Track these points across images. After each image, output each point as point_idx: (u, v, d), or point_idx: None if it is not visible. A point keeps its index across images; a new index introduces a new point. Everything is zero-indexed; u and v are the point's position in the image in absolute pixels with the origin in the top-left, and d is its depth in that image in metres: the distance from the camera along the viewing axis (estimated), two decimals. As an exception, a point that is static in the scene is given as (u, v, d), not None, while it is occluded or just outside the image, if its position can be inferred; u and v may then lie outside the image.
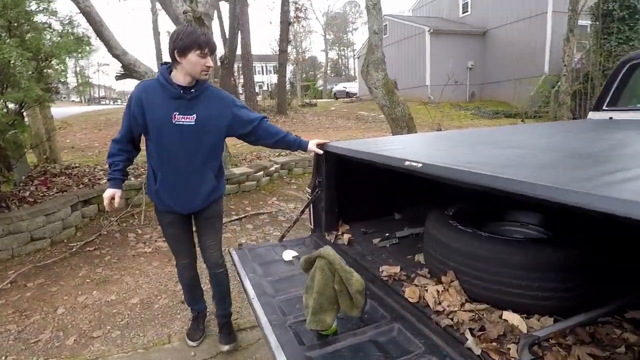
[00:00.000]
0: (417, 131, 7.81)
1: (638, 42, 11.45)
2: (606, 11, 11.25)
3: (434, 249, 1.68)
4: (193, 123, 1.85)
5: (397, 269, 1.80)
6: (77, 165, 5.82)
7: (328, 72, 35.03)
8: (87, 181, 4.88)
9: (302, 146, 2.15)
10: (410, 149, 1.97)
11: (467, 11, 17.67)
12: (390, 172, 2.14)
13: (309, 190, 2.40)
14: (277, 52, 15.46)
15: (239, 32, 12.78)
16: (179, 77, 1.81)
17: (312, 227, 2.42)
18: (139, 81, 2.06)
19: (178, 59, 1.75)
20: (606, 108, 3.29)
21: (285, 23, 13.72)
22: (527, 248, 1.40)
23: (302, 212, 2.39)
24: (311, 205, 2.38)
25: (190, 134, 1.86)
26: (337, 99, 24.25)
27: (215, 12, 12.08)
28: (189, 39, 1.71)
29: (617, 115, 3.17)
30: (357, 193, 2.45)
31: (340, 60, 45.71)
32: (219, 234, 2.21)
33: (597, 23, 11.46)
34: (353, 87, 24.10)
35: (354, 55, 44.62)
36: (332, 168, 2.30)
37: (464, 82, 16.51)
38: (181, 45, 1.72)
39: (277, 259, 2.07)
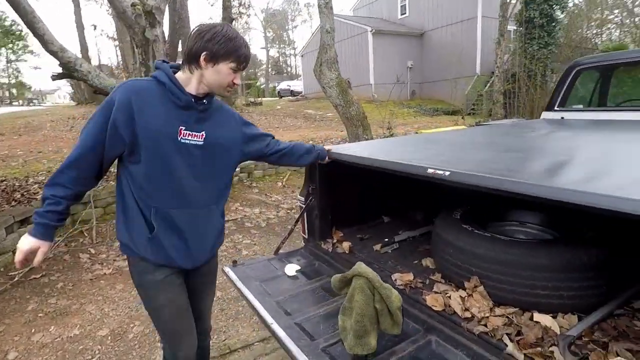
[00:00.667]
0: (371, 130, 7.97)
1: (555, 46, 12.79)
2: (528, 18, 12.39)
3: (449, 254, 1.68)
4: (201, 143, 1.38)
5: (410, 276, 1.78)
6: (2, 178, 5.07)
7: (269, 70, 34.48)
8: (19, 197, 4.26)
9: (321, 156, 1.95)
10: (420, 154, 1.95)
11: (406, 13, 18.46)
12: (379, 176, 2.13)
13: (301, 198, 2.29)
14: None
15: (180, 27, 12.07)
16: (192, 84, 1.35)
17: (305, 236, 2.32)
18: (124, 81, 1.41)
19: (203, 63, 1.31)
20: (557, 109, 3.58)
21: (228, 19, 13.22)
22: (551, 250, 1.44)
23: (297, 221, 2.28)
24: (305, 213, 2.28)
25: (198, 157, 1.38)
26: (281, 97, 24.02)
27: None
28: (230, 46, 1.30)
29: (567, 115, 3.47)
30: (347, 198, 2.39)
31: (281, 58, 45.38)
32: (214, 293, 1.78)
33: (521, 29, 12.59)
34: (297, 85, 24.02)
35: (295, 54, 44.62)
36: (325, 174, 2.22)
37: (405, 81, 17.24)
38: (216, 50, 1.29)
39: (279, 274, 1.94)
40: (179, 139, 1.33)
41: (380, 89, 16.30)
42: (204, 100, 1.39)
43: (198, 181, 1.39)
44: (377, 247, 2.17)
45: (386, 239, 2.20)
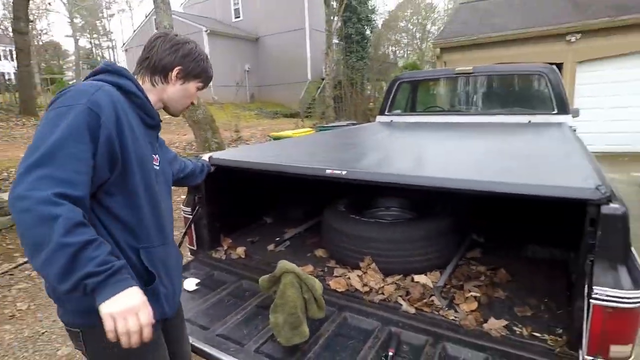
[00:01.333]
0: (219, 133, 7.84)
1: (368, 60, 15.19)
2: (347, 34, 14.35)
3: (341, 241, 1.94)
4: (158, 167, 1.16)
5: (310, 268, 1.96)
6: None
7: (80, 63, 29.19)
8: None
9: (209, 168, 1.88)
10: (301, 156, 2.14)
11: (240, 17, 18.65)
12: (259, 180, 2.28)
13: (186, 209, 2.20)
14: (11, 34, 11.90)
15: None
16: (150, 99, 1.15)
17: (194, 247, 2.23)
18: (94, 85, 0.99)
19: (173, 79, 1.16)
20: (387, 113, 4.39)
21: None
22: (418, 225, 1.85)
23: (185, 234, 2.16)
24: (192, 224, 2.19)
25: (162, 184, 1.17)
26: (99, 98, 20.78)
27: None
28: (203, 66, 1.21)
29: (395, 119, 4.29)
30: (231, 204, 2.41)
31: (94, 50, 38.96)
32: None
33: (342, 43, 14.48)
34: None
35: (114, 46, 39.10)
36: (210, 182, 2.19)
37: (244, 84, 17.46)
38: (192, 68, 1.17)
39: (179, 290, 1.83)
40: (154, 164, 1.12)
41: (220, 91, 16.06)
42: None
43: (167, 211, 1.20)
44: (271, 247, 2.28)
45: (277, 238, 2.33)
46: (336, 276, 1.87)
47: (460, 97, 4.25)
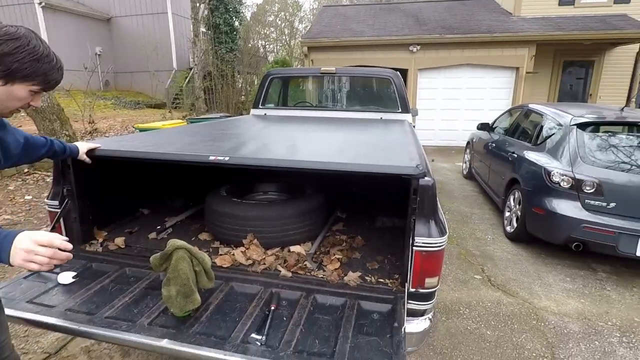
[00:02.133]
0: (70, 124, 6.87)
1: (239, 52, 15.09)
2: (215, 24, 13.97)
3: (224, 222, 2.12)
4: None
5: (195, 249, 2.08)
6: None
7: None
8: None
9: (72, 153, 1.84)
10: (179, 145, 2.21)
11: (86, -9, 16.17)
12: (137, 170, 2.31)
13: (52, 202, 2.05)
14: None
15: None
16: None
17: (64, 242, 2.09)
18: None
19: None
20: (261, 107, 4.64)
21: None
22: (292, 204, 2.16)
23: (53, 228, 2.02)
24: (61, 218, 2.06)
25: None
26: None
27: None
28: (36, 67, 1.07)
29: (269, 112, 4.57)
30: (105, 196, 2.34)
31: None
32: None
33: (210, 32, 14.03)
34: None
35: None
36: (81, 173, 2.10)
37: (95, 70, 15.32)
38: (15, 69, 1.03)
39: (52, 286, 1.74)
40: None
41: (64, 76, 13.75)
42: None
43: None
44: (152, 235, 2.29)
45: (158, 227, 2.36)
46: (221, 254, 2.05)
47: (325, 95, 4.78)
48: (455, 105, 10.15)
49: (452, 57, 9.73)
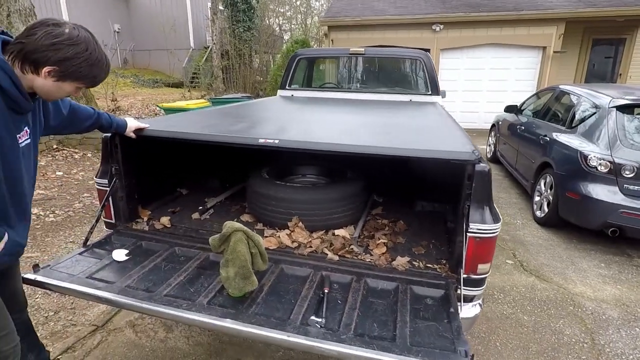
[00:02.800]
0: (96, 102, 6.95)
1: (256, 31, 14.87)
2: (233, 2, 13.73)
3: (269, 204, 2.13)
4: (26, 142, 1.30)
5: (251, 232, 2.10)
6: None
7: None
8: None
9: (119, 128, 1.86)
10: (222, 127, 2.20)
11: (102, -32, 16.00)
12: (177, 150, 2.33)
13: (101, 180, 2.08)
14: None
15: None
16: (23, 83, 1.17)
17: (112, 220, 2.14)
18: None
19: (43, 75, 1.14)
20: (288, 88, 4.58)
21: None
22: (337, 188, 2.15)
23: (103, 207, 2.05)
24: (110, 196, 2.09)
25: (30, 157, 1.35)
26: None
27: None
28: (88, 72, 1.20)
29: (296, 93, 4.52)
30: (148, 175, 2.36)
31: None
32: None
33: (228, 10, 13.82)
34: None
35: None
36: (127, 152, 2.12)
37: (114, 47, 15.34)
38: (70, 72, 1.16)
39: (108, 263, 1.78)
40: (18, 142, 1.23)
41: (82, 53, 13.80)
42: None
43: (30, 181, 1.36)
44: (195, 215, 2.32)
45: (200, 207, 2.38)
46: (267, 236, 2.06)
47: (353, 76, 4.68)
48: (477, 86, 9.89)
49: (476, 36, 9.42)
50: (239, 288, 1.48)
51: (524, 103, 6.01)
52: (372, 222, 2.32)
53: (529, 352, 2.32)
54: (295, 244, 1.99)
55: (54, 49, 1.12)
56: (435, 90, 4.15)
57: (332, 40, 9.73)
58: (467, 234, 1.61)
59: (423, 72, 4.21)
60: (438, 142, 1.90)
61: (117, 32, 15.58)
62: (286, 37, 21.83)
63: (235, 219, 2.32)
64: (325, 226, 2.12)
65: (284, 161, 2.55)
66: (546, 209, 4.11)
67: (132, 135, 1.92)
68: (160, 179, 2.53)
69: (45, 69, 1.14)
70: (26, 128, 1.26)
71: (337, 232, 2.07)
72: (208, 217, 2.35)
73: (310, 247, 1.96)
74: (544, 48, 9.21)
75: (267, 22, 21.32)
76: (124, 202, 2.15)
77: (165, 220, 2.20)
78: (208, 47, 15.41)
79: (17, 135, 1.21)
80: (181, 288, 1.61)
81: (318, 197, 2.08)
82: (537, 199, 4.37)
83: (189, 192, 2.76)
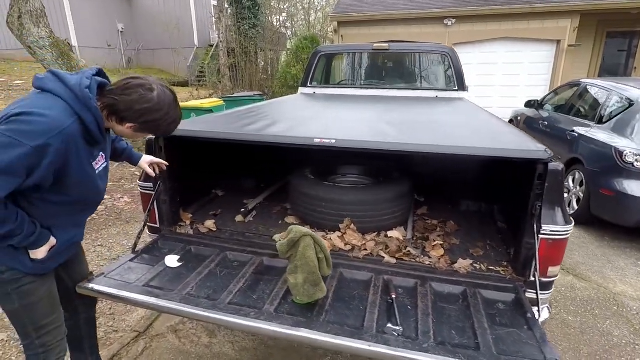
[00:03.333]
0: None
1: (261, 28, 14.74)
2: (238, -1, 13.60)
3: (317, 207, 2.06)
4: (102, 166, 1.44)
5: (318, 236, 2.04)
6: None
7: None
8: None
9: (132, 160, 1.78)
10: (258, 125, 2.13)
11: (106, -34, 15.86)
12: (213, 151, 2.27)
13: (146, 184, 2.02)
14: None
15: None
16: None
17: (156, 225, 2.08)
18: (54, 127, 1.15)
19: (126, 127, 1.30)
20: (309, 85, 4.50)
21: None
22: (388, 188, 2.09)
23: (149, 211, 1.99)
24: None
25: (102, 177, 1.49)
26: None
27: None
28: (165, 129, 1.37)
29: (318, 90, 4.44)
30: (187, 178, 2.30)
31: None
32: None
33: (233, 7, 13.68)
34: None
35: None
36: (170, 154, 2.05)
37: (118, 47, 15.24)
38: (147, 128, 1.33)
39: (161, 269, 1.72)
40: (94, 168, 1.34)
41: (87, 53, 13.70)
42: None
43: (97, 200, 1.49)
44: (238, 218, 2.26)
45: (242, 210, 2.32)
46: (317, 239, 2.00)
47: (376, 72, 4.61)
48: (490, 81, 9.77)
49: (489, 30, 9.30)
50: (308, 295, 1.42)
51: (545, 98, 5.93)
52: (420, 222, 2.26)
53: (581, 355, 2.26)
54: (349, 247, 1.93)
55: (142, 113, 1.26)
56: (462, 85, 4.07)
57: (341, 36, 9.62)
58: (539, 235, 1.55)
59: (450, 67, 4.13)
60: (499, 140, 1.83)
61: (121, 31, 15.47)
62: (289, 33, 21.66)
63: (280, 221, 2.26)
64: (375, 228, 2.06)
65: (326, 160, 2.48)
66: (576, 206, 4.04)
67: (148, 170, 1.83)
68: (197, 180, 2.47)
69: (129, 124, 1.29)
70: (101, 153, 1.38)
71: (390, 233, 2.01)
72: (252, 219, 2.29)
73: (365, 250, 1.90)
74: (559, 42, 9.09)
75: (270, 19, 21.18)
76: (167, 206, 2.09)
77: (210, 224, 2.14)
78: (213, 45, 15.30)
79: (93, 162, 1.33)
80: (243, 295, 1.55)
81: (369, 198, 2.01)
82: (564, 196, 4.29)
83: (224, 193, 2.70)
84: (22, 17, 5.88)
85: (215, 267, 1.76)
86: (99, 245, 3.34)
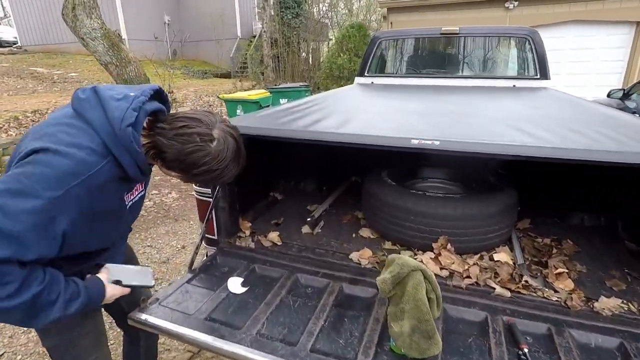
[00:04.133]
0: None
1: (304, 17, 14.39)
2: (282, -12, 13.31)
3: (403, 220, 1.70)
4: (132, 202, 1.19)
5: (368, 252, 1.70)
6: None
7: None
8: None
9: None
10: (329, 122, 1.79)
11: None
12: (273, 150, 1.94)
13: (204, 190, 1.75)
14: None
15: None
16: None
17: (214, 236, 1.81)
18: (80, 171, 0.89)
19: (172, 173, 1.05)
20: (367, 74, 4.10)
21: None
22: (496, 199, 1.68)
23: (207, 221, 1.72)
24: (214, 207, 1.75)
25: (131, 212, 1.26)
26: (-26, 49, 16.87)
27: None
28: (212, 179, 1.06)
29: (376, 80, 4.03)
30: (246, 180, 2.00)
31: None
32: None
33: (276, -4, 13.44)
34: (4, 32, 17.46)
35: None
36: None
37: (164, 39, 15.48)
38: (194, 179, 1.05)
39: (224, 296, 1.44)
40: (126, 205, 1.07)
41: (135, 45, 13.98)
42: None
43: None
44: (305, 229, 1.95)
45: (308, 219, 2.00)
46: (404, 260, 1.64)
47: (443, 59, 4.12)
48: (555, 69, 8.80)
49: (556, 13, 8.39)
50: (419, 350, 1.07)
51: (633, 87, 5.17)
52: (526, 240, 1.84)
53: None
54: (446, 272, 1.55)
55: (191, 166, 0.99)
56: (544, 73, 3.51)
57: (391, 23, 9.07)
58: None
59: (530, 52, 3.58)
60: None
61: (167, 23, 15.70)
62: (331, 23, 21.17)
63: (353, 234, 1.92)
64: (474, 248, 1.67)
65: (404, 161, 2.10)
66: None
67: None
68: (255, 183, 2.18)
69: (176, 174, 1.04)
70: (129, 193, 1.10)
71: (496, 256, 1.61)
72: (320, 230, 1.97)
73: (468, 277, 1.52)
74: (638, 23, 8.04)
75: (312, 9, 20.76)
76: (226, 214, 1.81)
77: (274, 236, 1.83)
78: (255, 36, 15.16)
79: (127, 194, 1.07)
80: (327, 338, 1.22)
81: (473, 211, 1.62)
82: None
83: (284, 196, 2.40)
84: (76, 8, 5.90)
85: (286, 294, 1.45)
86: (148, 245, 3.17)
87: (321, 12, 20.02)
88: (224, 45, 14.65)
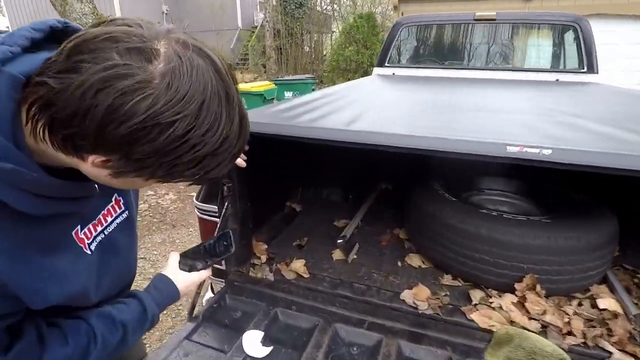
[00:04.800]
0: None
1: (308, 7, 13.86)
2: (284, -24, 12.77)
3: (471, 250, 1.29)
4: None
5: (426, 291, 1.29)
6: None
7: None
8: None
9: None
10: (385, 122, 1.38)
11: (151, -55, 15.49)
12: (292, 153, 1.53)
13: (209, 207, 1.34)
14: None
15: None
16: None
17: (221, 266, 1.40)
18: None
19: (89, 160, 0.47)
20: (388, 65, 3.68)
21: None
22: (597, 226, 1.27)
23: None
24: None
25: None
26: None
27: None
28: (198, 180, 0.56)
29: (398, 71, 3.60)
30: (259, 190, 1.59)
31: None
32: None
33: (279, -15, 12.90)
34: (-5, 21, 16.86)
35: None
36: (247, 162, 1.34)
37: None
38: (169, 174, 0.51)
39: (236, 357, 1.04)
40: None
41: (132, 35, 13.51)
42: None
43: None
44: (337, 255, 1.54)
45: (339, 241, 1.57)
46: (475, 304, 1.24)
47: (474, 48, 3.70)
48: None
49: (577, 6, 7.95)
50: None
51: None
52: (622, 275, 1.43)
53: None
54: (536, 324, 1.15)
55: (128, 140, 0.44)
56: (592, 66, 3.11)
57: (401, 13, 8.61)
58: None
59: (577, 43, 3.17)
60: None
61: (165, 13, 15.15)
62: (334, 14, 20.62)
63: (399, 262, 1.51)
64: (566, 290, 1.27)
65: (455, 169, 1.69)
66: None
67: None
68: (269, 191, 1.77)
69: (95, 158, 0.47)
70: (114, 197, 0.72)
71: (601, 302, 1.21)
72: (355, 256, 1.56)
73: (570, 333, 1.11)
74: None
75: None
76: (237, 236, 1.39)
77: (299, 266, 1.42)
78: (257, 26, 14.65)
79: (87, 228, 0.64)
80: None
81: (571, 241, 1.20)
82: None
83: (302, 207, 1.99)
84: (66, -9, 5.44)
85: (323, 357, 1.04)
86: (141, 257, 2.76)
87: (324, 4, 19.49)
88: (224, 36, 14.13)
